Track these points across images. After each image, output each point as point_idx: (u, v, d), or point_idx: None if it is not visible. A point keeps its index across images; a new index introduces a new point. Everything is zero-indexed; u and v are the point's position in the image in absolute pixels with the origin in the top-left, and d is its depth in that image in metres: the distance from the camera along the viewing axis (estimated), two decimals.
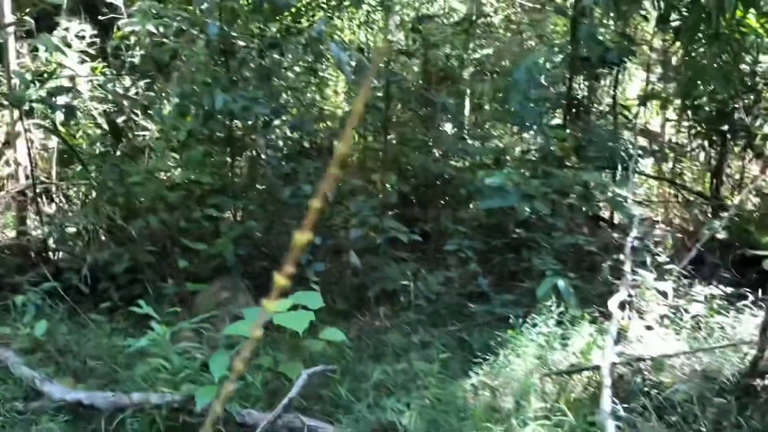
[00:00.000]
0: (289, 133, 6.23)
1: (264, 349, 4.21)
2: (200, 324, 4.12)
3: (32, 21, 6.10)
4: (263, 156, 5.28)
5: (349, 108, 7.78)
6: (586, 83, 8.11)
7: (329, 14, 7.07)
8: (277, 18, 5.71)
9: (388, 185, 6.72)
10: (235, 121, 5.18)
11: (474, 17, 7.02)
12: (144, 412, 3.43)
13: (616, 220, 7.63)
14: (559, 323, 4.82)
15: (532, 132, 7.63)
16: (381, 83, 6.55)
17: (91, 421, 3.47)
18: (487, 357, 4.73)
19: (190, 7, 5.30)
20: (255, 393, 3.69)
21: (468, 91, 8.52)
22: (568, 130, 7.02)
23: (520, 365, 4.64)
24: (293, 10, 5.93)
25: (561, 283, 5.25)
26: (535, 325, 4.89)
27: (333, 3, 6.93)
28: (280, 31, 5.42)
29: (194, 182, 5.20)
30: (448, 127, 8.14)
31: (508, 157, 7.90)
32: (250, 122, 5.17)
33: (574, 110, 7.77)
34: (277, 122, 5.61)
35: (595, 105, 8.40)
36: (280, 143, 6.07)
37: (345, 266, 5.78)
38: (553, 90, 7.72)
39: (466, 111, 8.64)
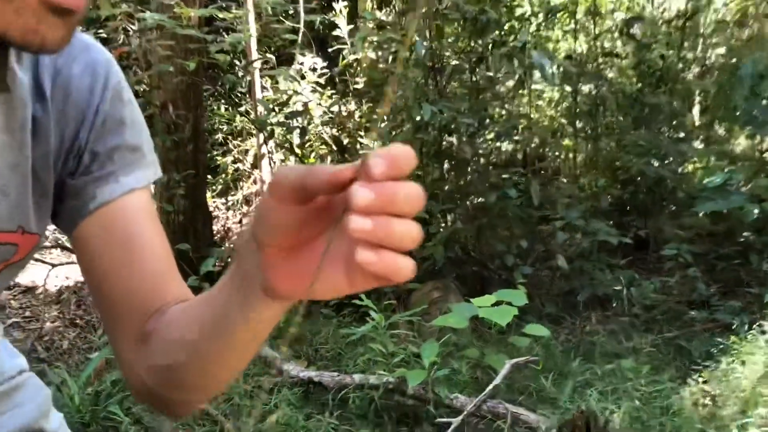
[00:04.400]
0: (497, 144, 6.46)
1: (471, 343, 4.46)
2: (413, 317, 4.48)
3: (273, 57, 7.02)
4: (470, 165, 5.56)
5: (560, 117, 7.81)
6: None
7: (538, 25, 7.20)
8: (487, 34, 5.98)
9: (597, 190, 6.64)
10: (444, 133, 5.53)
11: (689, 13, 6.71)
12: (363, 390, 3.84)
13: None
14: None
15: (761, 130, 7.04)
16: (591, 88, 6.53)
17: (321, 395, 3.97)
18: (708, 364, 4.52)
19: (403, 31, 5.77)
20: (462, 380, 3.95)
21: (694, 92, 8.11)
22: None
23: (747, 374, 4.38)
24: (505, 26, 6.16)
25: None
26: (763, 332, 4.57)
27: (541, 15, 7.06)
28: (486, 46, 5.69)
29: None
30: (667, 130, 7.80)
31: (738, 161, 7.38)
32: (456, 134, 5.48)
33: None
34: (484, 133, 5.86)
35: None
36: (489, 153, 6.31)
37: (554, 270, 5.84)
38: None
39: (693, 111, 8.22)
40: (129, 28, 5.27)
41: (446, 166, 5.58)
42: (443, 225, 5.52)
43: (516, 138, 6.17)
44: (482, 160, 5.60)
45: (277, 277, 0.71)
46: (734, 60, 8.15)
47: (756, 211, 5.55)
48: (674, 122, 6.87)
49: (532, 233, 5.68)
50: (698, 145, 7.61)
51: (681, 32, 7.01)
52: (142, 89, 5.44)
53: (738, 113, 7.17)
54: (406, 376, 3.75)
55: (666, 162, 7.28)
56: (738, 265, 5.93)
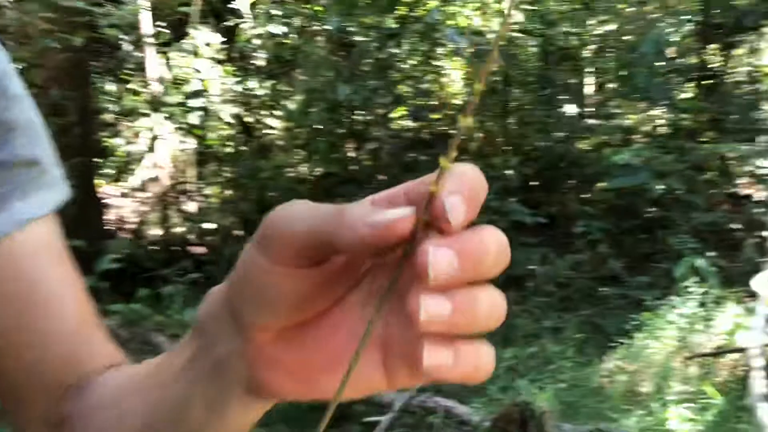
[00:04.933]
0: (408, 123, 6.30)
1: None
2: None
3: (168, 32, 6.52)
4: (384, 146, 5.37)
5: (467, 95, 7.75)
6: (720, 52, 7.64)
7: (443, 1, 7.06)
8: (394, 9, 5.77)
9: (509, 169, 6.64)
10: (357, 112, 5.30)
11: None
12: None
13: (756, 197, 7.14)
14: (701, 304, 4.58)
15: (661, 107, 7.27)
16: (499, 66, 6.47)
17: None
18: (623, 341, 4.58)
19: (308, 5, 5.48)
20: None
21: (590, 69, 8.25)
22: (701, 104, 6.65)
23: (659, 348, 4.47)
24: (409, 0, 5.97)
25: (701, 262, 4.98)
26: (673, 307, 4.68)
27: None
28: (396, 22, 5.48)
29: (322, 174, 5.39)
30: (571, 107, 7.92)
31: (635, 135, 7.59)
32: (370, 113, 5.27)
33: (706, 81, 7.35)
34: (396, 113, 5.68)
35: (730, 74, 7.90)
36: (400, 133, 6.14)
37: None
38: (682, 61, 7.34)
39: (589, 89, 8.37)
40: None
41: (360, 149, 5.37)
42: None
43: (431, 117, 6.03)
44: (397, 142, 5.42)
45: (271, 373, 0.47)
46: (631, 37, 8.37)
47: (661, 186, 5.69)
48: (580, 100, 6.95)
49: None
50: (596, 122, 7.76)
51: (586, 9, 7.07)
52: (20, 67, 4.87)
53: (636, 90, 7.36)
54: None
55: (570, 139, 7.40)
56: (644, 240, 6.08)
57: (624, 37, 8.50)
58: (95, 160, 6.60)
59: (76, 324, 0.72)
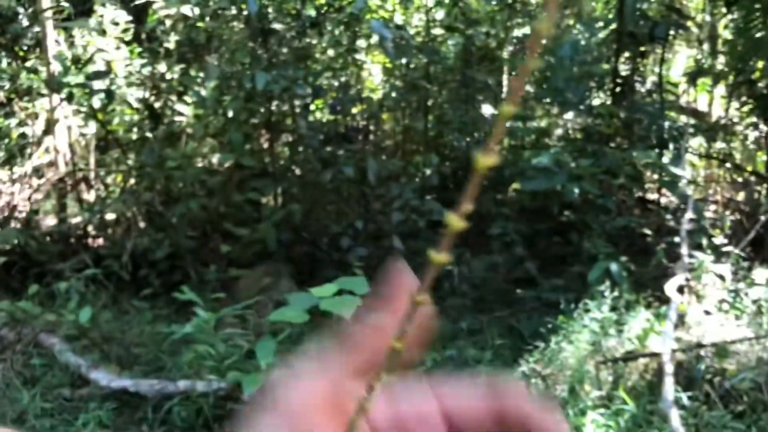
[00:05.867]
0: (327, 116, 6.10)
1: (309, 336, 4.11)
2: (244, 310, 4.03)
3: (70, 6, 6.05)
4: (303, 139, 5.15)
5: (384, 90, 7.62)
6: (631, 60, 7.84)
7: None
8: None
9: (428, 168, 6.56)
10: (275, 102, 5.06)
11: None
12: (190, 399, 3.34)
13: (663, 202, 7.38)
14: (613, 309, 4.63)
15: (575, 111, 7.38)
16: (420, 63, 6.36)
17: (138, 408, 3.40)
18: (538, 344, 4.57)
19: None
20: None
21: (507, 70, 8.30)
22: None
23: (573, 352, 4.48)
24: None
25: (614, 266, 5.04)
26: (587, 311, 4.71)
27: None
28: (317, 10, 5.27)
29: (235, 166, 5.11)
30: (489, 108, 7.93)
31: (550, 138, 7.68)
32: (288, 105, 5.03)
33: (619, 88, 7.51)
34: (315, 105, 5.47)
35: (641, 83, 8.13)
36: (319, 126, 5.94)
37: (387, 251, 5.65)
38: (596, 68, 7.48)
39: (505, 90, 8.42)
40: None
41: (276, 141, 5.12)
42: (275, 205, 5.07)
43: (351, 111, 5.84)
44: (316, 135, 5.21)
45: None
46: (547, 42, 8.48)
47: (576, 190, 5.74)
48: (498, 100, 6.95)
49: (367, 212, 5.43)
50: (517, 124, 7.80)
51: (508, 9, 7.08)
52: None
53: (553, 93, 7.45)
54: (240, 381, 3.31)
55: (485, 139, 7.39)
56: (558, 243, 6.13)
57: (542, 41, 8.61)
58: None
59: None
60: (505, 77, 8.49)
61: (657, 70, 8.04)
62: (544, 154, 5.82)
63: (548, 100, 7.95)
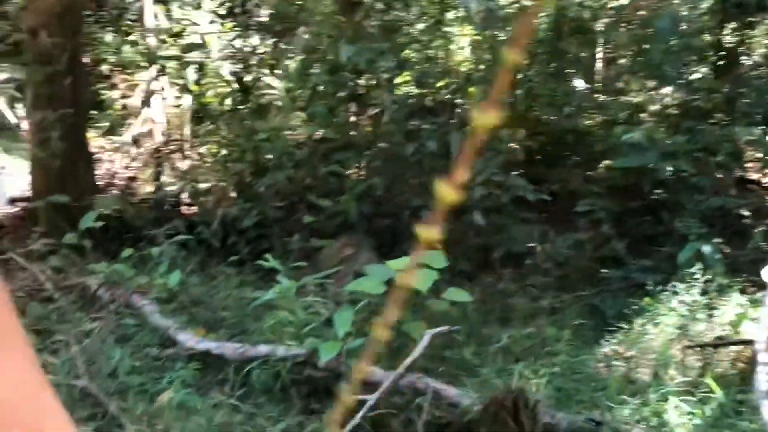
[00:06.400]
0: (413, 89, 6.07)
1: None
2: (324, 279, 4.11)
3: None
4: (387, 112, 5.16)
5: (473, 64, 7.49)
6: (737, 31, 7.37)
7: None
8: None
9: (514, 143, 6.43)
10: (362, 76, 5.08)
11: None
12: (269, 363, 3.45)
13: (765, 182, 6.96)
14: (703, 292, 4.43)
15: (673, 86, 7.03)
16: (509, 34, 6.20)
17: (220, 370, 3.55)
18: (622, 326, 4.44)
19: None
20: (378, 350, 3.63)
21: (600, 42, 7.99)
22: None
23: (658, 335, 4.33)
24: None
25: (707, 248, 4.81)
26: (675, 293, 4.52)
27: None
28: None
29: (320, 139, 5.19)
30: (579, 82, 7.67)
31: (644, 114, 7.37)
32: (374, 78, 5.04)
33: (722, 62, 7.10)
34: (400, 78, 5.45)
35: (747, 55, 7.64)
36: (404, 99, 5.92)
37: (468, 226, 5.60)
38: (697, 40, 7.09)
39: (599, 64, 8.12)
40: None
41: (361, 114, 5.16)
42: (358, 177, 5.13)
43: (438, 84, 5.79)
44: (400, 108, 5.21)
45: None
46: (644, 12, 8.09)
47: (669, 168, 5.50)
48: (590, 74, 6.71)
49: None
50: (609, 98, 7.52)
51: None
52: (7, 11, 4.63)
53: (649, 67, 7.12)
54: (318, 348, 3.40)
55: (578, 114, 7.17)
56: (648, 222, 5.90)
57: (638, 12, 8.23)
58: (88, 112, 6.37)
59: (19, 404, 0.55)
60: (598, 50, 8.18)
61: (765, 42, 7.54)
62: (635, 130, 5.59)
63: (644, 74, 7.61)
